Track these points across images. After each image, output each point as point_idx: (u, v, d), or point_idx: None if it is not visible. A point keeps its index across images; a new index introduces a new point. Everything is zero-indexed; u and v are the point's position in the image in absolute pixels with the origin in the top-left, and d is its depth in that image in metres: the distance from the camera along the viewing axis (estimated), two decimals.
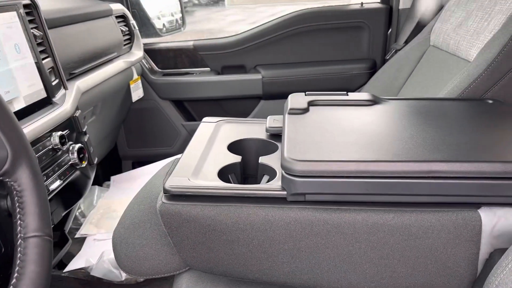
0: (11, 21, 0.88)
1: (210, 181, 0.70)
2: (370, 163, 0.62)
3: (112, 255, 1.22)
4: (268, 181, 0.75)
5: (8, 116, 0.50)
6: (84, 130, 1.03)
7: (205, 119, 0.97)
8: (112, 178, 1.65)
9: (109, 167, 1.79)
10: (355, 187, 0.62)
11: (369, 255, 0.65)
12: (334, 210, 0.64)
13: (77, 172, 0.97)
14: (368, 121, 0.78)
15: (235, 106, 1.81)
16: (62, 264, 1.30)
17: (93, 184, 1.57)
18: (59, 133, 0.90)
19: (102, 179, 1.72)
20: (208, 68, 1.79)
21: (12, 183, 0.49)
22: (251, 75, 1.73)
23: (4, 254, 0.72)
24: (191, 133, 1.72)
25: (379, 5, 1.72)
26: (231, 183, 0.76)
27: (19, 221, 0.48)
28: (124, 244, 0.78)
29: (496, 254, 0.63)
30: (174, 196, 0.68)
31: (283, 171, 0.65)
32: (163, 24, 1.98)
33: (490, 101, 0.89)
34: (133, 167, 1.85)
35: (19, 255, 0.47)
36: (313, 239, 0.65)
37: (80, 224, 1.41)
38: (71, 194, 1.00)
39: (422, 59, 1.36)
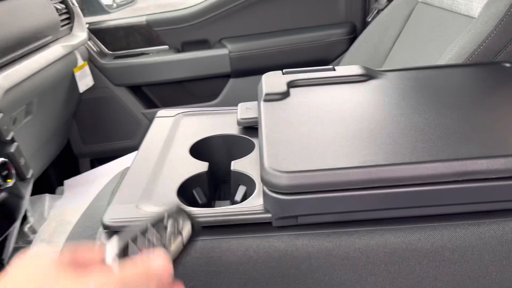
0: None
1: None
2: (383, 167, 0.46)
3: None
4: (245, 194, 0.57)
5: None
6: (9, 138, 0.82)
7: (160, 113, 0.78)
8: (65, 182, 1.46)
9: (64, 168, 1.60)
10: (365, 201, 0.47)
11: None
12: (339, 234, 0.48)
13: (3, 194, 0.77)
14: (366, 103, 0.62)
15: (201, 88, 1.67)
16: None
17: (45, 191, 1.39)
18: None
19: (56, 184, 1.53)
20: (166, 46, 1.64)
21: None
22: (216, 51, 1.59)
23: None
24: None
25: None
26: (196, 201, 0.58)
27: None
28: None
29: None
30: (116, 233, 0.49)
31: (264, 187, 0.47)
32: None
33: (508, 64, 0.73)
34: (92, 166, 1.68)
35: None
36: (313, 276, 0.48)
37: (30, 242, 1.23)
38: (0, 220, 0.80)
39: (410, 18, 1.21)
